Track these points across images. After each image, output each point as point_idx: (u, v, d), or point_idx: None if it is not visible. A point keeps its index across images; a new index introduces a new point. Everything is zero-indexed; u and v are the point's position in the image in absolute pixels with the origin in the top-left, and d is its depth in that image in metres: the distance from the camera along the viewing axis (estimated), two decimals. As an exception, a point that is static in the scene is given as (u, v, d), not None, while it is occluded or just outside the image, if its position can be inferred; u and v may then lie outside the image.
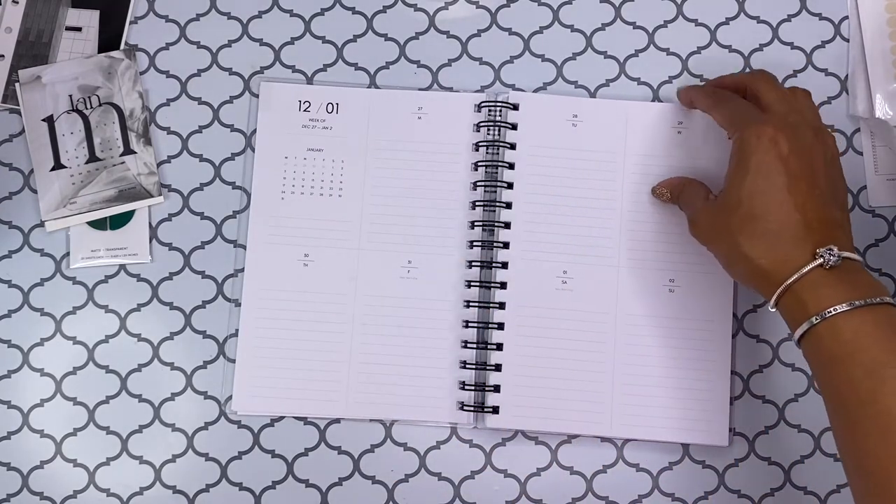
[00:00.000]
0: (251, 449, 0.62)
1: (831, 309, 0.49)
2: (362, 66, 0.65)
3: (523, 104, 0.63)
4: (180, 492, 0.62)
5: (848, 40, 0.66)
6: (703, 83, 0.64)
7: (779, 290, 0.51)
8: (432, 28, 0.66)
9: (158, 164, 0.64)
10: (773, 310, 0.53)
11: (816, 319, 0.50)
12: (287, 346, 0.62)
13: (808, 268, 0.51)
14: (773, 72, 0.65)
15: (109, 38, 0.65)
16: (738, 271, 0.55)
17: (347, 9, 0.66)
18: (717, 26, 0.66)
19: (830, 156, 0.55)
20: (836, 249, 0.51)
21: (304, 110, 0.64)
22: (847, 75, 0.66)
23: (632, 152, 0.63)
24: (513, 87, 0.65)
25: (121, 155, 0.64)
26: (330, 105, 0.64)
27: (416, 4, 0.66)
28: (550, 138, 0.63)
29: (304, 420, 0.62)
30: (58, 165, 0.63)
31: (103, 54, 0.64)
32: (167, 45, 0.65)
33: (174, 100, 0.65)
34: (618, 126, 0.64)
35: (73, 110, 0.64)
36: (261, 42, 0.65)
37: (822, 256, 0.51)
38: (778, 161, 0.53)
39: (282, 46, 0.65)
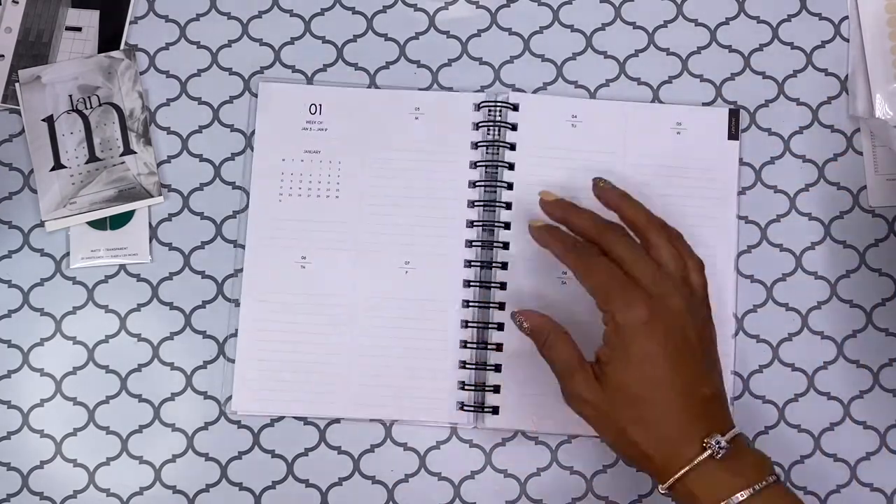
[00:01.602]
0: (251, 449, 0.62)
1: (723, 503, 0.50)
2: (362, 66, 0.65)
3: (523, 104, 0.63)
4: (180, 492, 0.62)
5: (848, 40, 0.66)
6: (547, 223, 0.58)
7: (671, 481, 0.51)
8: (432, 28, 0.66)
9: (158, 164, 0.64)
10: (664, 493, 0.52)
11: None
12: (287, 347, 0.62)
13: (699, 460, 0.50)
14: (773, 72, 0.66)
15: (109, 38, 0.65)
16: (626, 455, 0.54)
17: (347, 9, 0.66)
18: (717, 26, 0.66)
19: (703, 316, 0.54)
20: (722, 439, 0.50)
21: (303, 111, 0.64)
22: (847, 75, 0.66)
23: (630, 153, 0.63)
24: (513, 87, 0.65)
25: (121, 155, 0.64)
26: (327, 106, 0.64)
27: (416, 4, 0.66)
28: (550, 139, 0.63)
29: (304, 420, 0.62)
30: (58, 165, 0.63)
31: (103, 54, 0.64)
32: (167, 45, 0.65)
33: (174, 100, 0.65)
34: (617, 127, 0.64)
35: (73, 110, 0.64)
36: (261, 42, 0.65)
37: (710, 448, 0.50)
38: (657, 347, 0.52)
39: (282, 46, 0.65)
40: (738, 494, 0.49)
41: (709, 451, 0.50)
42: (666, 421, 0.51)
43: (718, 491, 0.50)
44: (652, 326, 0.52)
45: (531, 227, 0.58)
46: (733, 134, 0.64)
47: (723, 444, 0.50)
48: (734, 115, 0.65)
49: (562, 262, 0.56)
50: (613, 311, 0.52)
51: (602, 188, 0.58)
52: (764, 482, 0.50)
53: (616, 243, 0.54)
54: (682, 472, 0.50)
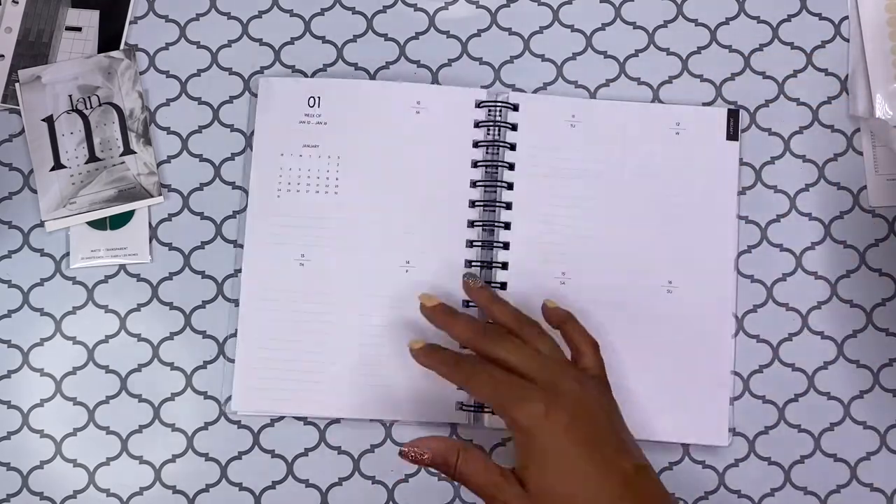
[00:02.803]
0: (251, 449, 0.62)
1: None
2: (362, 66, 0.65)
3: (523, 104, 0.63)
4: (180, 492, 0.62)
5: (848, 40, 0.66)
6: (428, 347, 0.57)
7: None
8: (432, 28, 0.66)
9: (158, 164, 0.64)
10: None
11: None
12: (286, 346, 0.62)
13: None
14: (773, 72, 0.66)
15: (109, 38, 0.65)
16: None
17: (347, 9, 0.66)
18: (717, 26, 0.66)
19: (602, 392, 0.55)
20: None
21: (301, 104, 0.64)
22: (847, 75, 0.66)
23: (629, 153, 0.63)
24: (513, 87, 0.65)
25: (121, 155, 0.64)
26: (326, 99, 0.64)
27: (416, 4, 0.66)
28: (550, 139, 0.63)
29: (304, 420, 0.62)
30: (58, 165, 0.63)
31: (103, 54, 0.64)
32: (167, 45, 0.65)
33: (174, 100, 0.65)
34: (616, 127, 0.64)
35: (72, 110, 0.64)
36: (261, 42, 0.65)
37: None
38: (565, 439, 0.50)
39: (282, 46, 0.65)
40: None
41: None
42: None
43: None
44: (553, 418, 0.50)
45: (411, 349, 0.57)
46: (732, 134, 0.64)
47: None
48: (733, 115, 0.64)
49: (450, 381, 0.57)
50: (511, 415, 0.51)
51: (471, 287, 0.59)
52: None
53: (495, 345, 0.54)
54: None
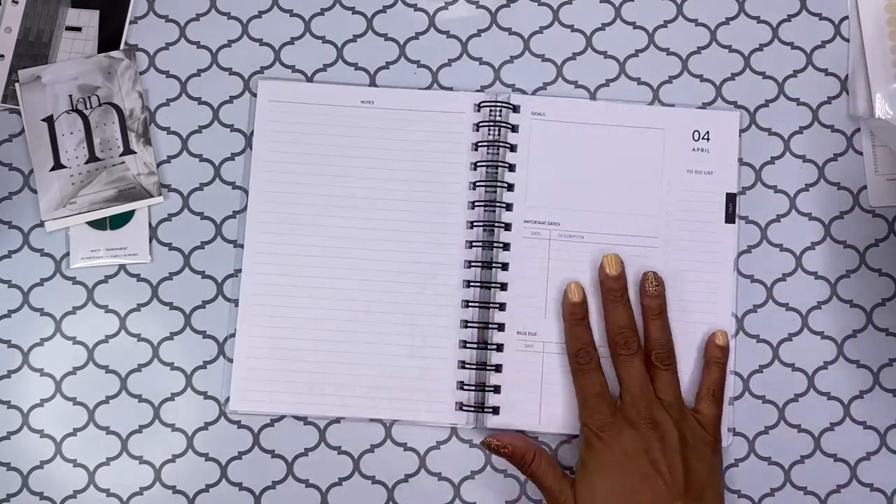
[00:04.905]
0: (251, 449, 0.62)
1: None
2: (362, 66, 0.65)
3: (524, 106, 0.63)
4: (180, 492, 0.62)
5: (848, 40, 0.66)
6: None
7: None
8: (432, 28, 0.66)
9: (158, 164, 0.64)
10: None
11: None
12: (287, 346, 0.62)
13: None
14: (773, 72, 0.66)
15: (109, 38, 0.65)
16: None
17: (347, 9, 0.66)
18: (717, 26, 0.66)
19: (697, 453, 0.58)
20: None
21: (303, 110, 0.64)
22: (847, 75, 0.66)
23: (630, 155, 0.63)
24: (513, 87, 0.65)
25: (121, 155, 0.64)
26: (328, 104, 0.64)
27: (416, 4, 0.66)
28: (551, 140, 0.63)
29: (304, 420, 0.62)
30: (58, 165, 0.63)
31: (103, 54, 0.64)
32: (167, 45, 0.65)
33: (174, 100, 0.65)
34: (615, 129, 0.64)
35: (72, 110, 0.64)
36: (261, 42, 0.65)
37: None
38: (611, 468, 0.56)
39: (282, 46, 0.65)
40: None
41: None
42: None
43: None
44: (610, 444, 0.56)
45: (567, 295, 0.61)
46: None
47: None
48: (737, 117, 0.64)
49: (567, 349, 0.61)
50: (585, 422, 0.57)
51: (650, 294, 0.61)
52: None
53: (624, 363, 0.59)
54: None
